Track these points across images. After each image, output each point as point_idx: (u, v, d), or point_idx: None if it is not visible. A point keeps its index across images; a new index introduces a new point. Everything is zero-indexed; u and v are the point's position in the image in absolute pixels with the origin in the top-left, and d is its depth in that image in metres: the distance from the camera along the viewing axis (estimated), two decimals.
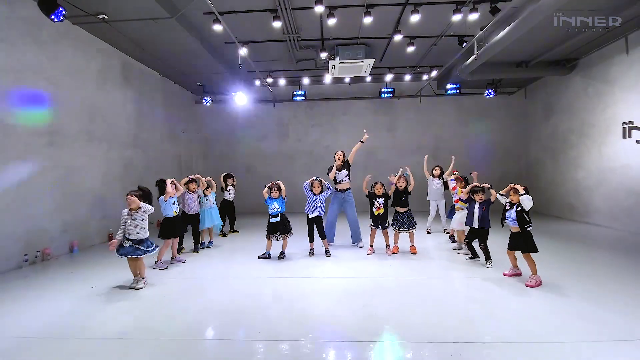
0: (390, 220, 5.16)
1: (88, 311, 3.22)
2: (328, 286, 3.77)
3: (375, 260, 4.81)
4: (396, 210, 5.14)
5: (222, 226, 6.63)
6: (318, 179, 5.15)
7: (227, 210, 6.92)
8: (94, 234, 6.16)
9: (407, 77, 9.38)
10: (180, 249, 5.13)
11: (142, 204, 3.72)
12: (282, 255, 4.94)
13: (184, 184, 5.21)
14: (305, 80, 9.50)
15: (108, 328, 2.86)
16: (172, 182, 4.65)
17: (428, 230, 6.75)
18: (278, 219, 4.83)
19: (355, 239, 5.71)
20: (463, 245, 5.25)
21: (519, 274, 3.95)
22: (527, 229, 3.69)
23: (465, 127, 10.45)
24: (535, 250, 3.68)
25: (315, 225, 5.12)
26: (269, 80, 8.97)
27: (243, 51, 6.70)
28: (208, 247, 5.80)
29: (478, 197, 4.49)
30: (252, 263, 4.75)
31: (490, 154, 10.36)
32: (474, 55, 6.37)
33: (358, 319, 2.94)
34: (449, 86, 9.55)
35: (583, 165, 8.00)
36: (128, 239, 3.73)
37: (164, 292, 3.67)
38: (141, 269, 3.86)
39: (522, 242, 3.72)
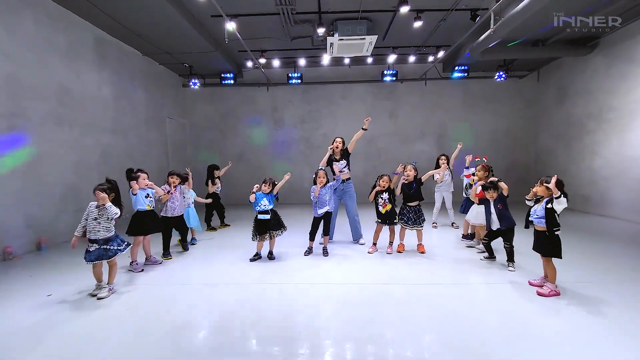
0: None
1: (30, 330, 2.65)
2: (324, 295, 3.21)
3: (379, 260, 4.25)
4: (404, 203, 4.56)
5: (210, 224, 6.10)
6: (323, 168, 4.54)
7: (215, 203, 6.33)
8: (67, 229, 5.55)
9: (412, 59, 8.68)
10: (167, 254, 4.52)
11: (108, 204, 3.12)
12: (271, 256, 4.37)
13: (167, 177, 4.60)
14: (302, 62, 8.78)
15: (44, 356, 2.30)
16: (146, 181, 4.03)
17: (434, 224, 6.20)
18: (268, 216, 4.24)
19: (356, 236, 5.15)
20: (481, 243, 4.72)
21: (558, 294, 3.10)
22: (555, 232, 3.09)
23: (472, 113, 9.80)
24: (559, 255, 3.09)
25: (323, 221, 4.56)
26: (262, 60, 8.25)
27: (231, 25, 5.98)
28: (192, 244, 5.23)
29: (489, 195, 3.91)
30: (238, 265, 4.18)
31: (498, 142, 9.75)
32: (489, 30, 5.69)
33: (360, 343, 2.39)
34: (456, 69, 8.86)
35: (601, 153, 7.41)
36: (93, 241, 3.14)
37: (129, 303, 3.10)
38: (112, 274, 3.30)
39: (546, 244, 3.12)
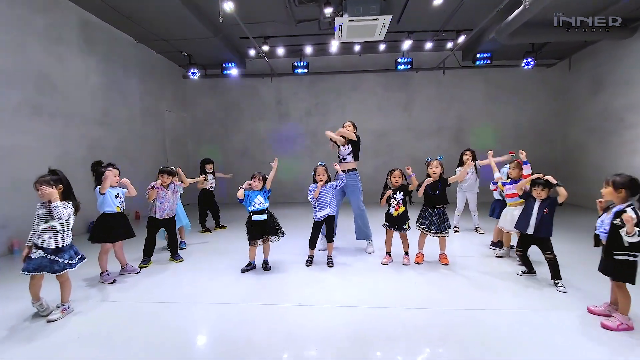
0: (409, 218, 3.90)
1: None
2: (327, 324, 2.55)
3: (394, 275, 3.57)
4: (425, 205, 3.87)
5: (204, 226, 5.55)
6: (322, 164, 3.89)
7: (208, 202, 5.75)
8: None
9: (428, 45, 7.90)
10: (146, 262, 3.95)
11: (56, 204, 2.53)
12: (267, 266, 3.75)
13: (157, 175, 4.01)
14: (308, 49, 8.11)
15: None
16: (116, 178, 3.44)
17: (456, 229, 5.48)
18: (265, 216, 3.60)
19: (361, 236, 4.46)
20: (508, 251, 4.03)
21: (630, 328, 2.37)
22: (623, 257, 2.33)
23: (494, 106, 8.97)
24: (631, 280, 2.35)
25: (325, 225, 3.91)
26: (265, 48, 7.61)
27: (228, 5, 5.36)
28: (182, 248, 4.66)
29: (536, 193, 3.20)
30: (227, 277, 3.56)
31: (521, 137, 8.89)
32: (523, 4, 4.92)
33: None
34: (477, 56, 8.07)
35: None
36: (38, 247, 2.57)
37: (85, 327, 2.51)
38: (65, 292, 2.72)
39: (616, 264, 2.37)
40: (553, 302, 2.84)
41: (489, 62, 8.09)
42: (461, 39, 7.32)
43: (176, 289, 3.26)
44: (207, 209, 5.77)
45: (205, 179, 5.57)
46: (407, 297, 2.99)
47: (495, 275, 3.51)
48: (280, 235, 3.73)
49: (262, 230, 3.62)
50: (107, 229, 3.35)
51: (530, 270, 3.43)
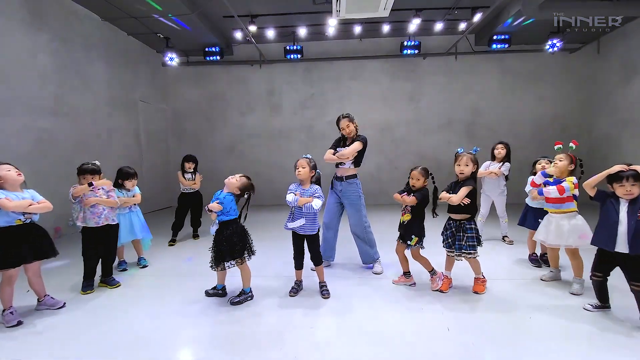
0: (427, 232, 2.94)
1: None
2: None
3: (412, 310, 2.60)
4: (450, 217, 2.90)
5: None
6: (307, 156, 2.89)
7: (189, 207, 4.82)
8: None
9: (438, 27, 6.93)
10: (87, 285, 3.00)
11: None
12: (242, 298, 2.76)
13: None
14: (302, 32, 7.13)
15: None
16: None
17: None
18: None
19: (368, 259, 3.49)
20: (557, 272, 3.10)
21: None
22: None
23: (512, 95, 8.00)
24: None
25: (307, 244, 2.89)
26: (252, 28, 6.62)
27: None
28: (143, 266, 3.68)
29: (623, 191, 2.25)
30: (173, 318, 2.59)
31: (543, 130, 7.91)
32: None
33: None
34: (494, 38, 7.11)
35: None
36: None
37: None
38: None
39: None
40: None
41: (507, 45, 7.14)
42: (477, 17, 6.34)
43: (103, 332, 2.28)
44: (184, 216, 4.80)
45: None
46: (434, 351, 2.02)
47: (548, 310, 2.54)
48: (247, 255, 2.77)
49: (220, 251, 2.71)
50: (6, 250, 2.36)
51: (604, 303, 2.46)
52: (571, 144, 2.97)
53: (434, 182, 2.85)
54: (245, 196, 2.79)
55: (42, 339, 2.23)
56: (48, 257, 2.59)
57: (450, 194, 2.77)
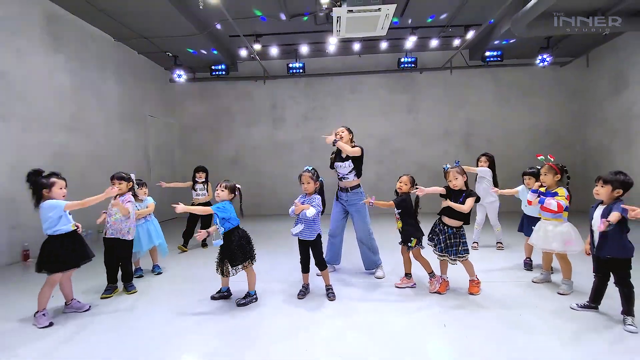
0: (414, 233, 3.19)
1: None
2: None
3: (412, 312, 2.80)
4: (440, 219, 3.13)
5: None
6: (310, 169, 3.13)
7: (200, 215, 5.04)
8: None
9: (434, 43, 7.28)
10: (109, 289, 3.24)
11: None
12: (247, 300, 2.97)
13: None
14: (304, 49, 7.47)
15: None
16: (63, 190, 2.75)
17: (475, 244, 4.71)
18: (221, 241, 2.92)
19: (371, 265, 3.70)
20: (548, 275, 3.30)
21: None
22: None
23: (506, 108, 8.30)
24: None
25: (311, 250, 3.10)
26: (257, 47, 6.97)
27: None
28: (158, 273, 3.89)
29: (594, 192, 2.50)
30: (186, 319, 2.79)
31: (536, 141, 8.17)
32: None
33: None
34: (487, 54, 7.45)
35: None
36: None
37: None
38: None
39: None
40: (624, 351, 2.07)
41: (500, 59, 7.47)
42: (470, 34, 6.68)
43: (120, 336, 2.47)
44: (196, 224, 5.02)
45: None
46: (433, 349, 2.21)
47: (540, 310, 2.73)
48: (249, 261, 2.99)
49: (222, 258, 3.00)
50: (61, 255, 2.63)
51: (594, 304, 2.65)
52: (549, 157, 3.14)
53: (416, 187, 3.07)
54: (237, 193, 3.03)
55: (71, 341, 2.43)
56: (86, 261, 2.83)
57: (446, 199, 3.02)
